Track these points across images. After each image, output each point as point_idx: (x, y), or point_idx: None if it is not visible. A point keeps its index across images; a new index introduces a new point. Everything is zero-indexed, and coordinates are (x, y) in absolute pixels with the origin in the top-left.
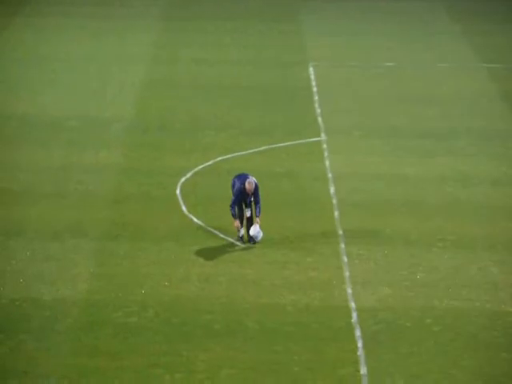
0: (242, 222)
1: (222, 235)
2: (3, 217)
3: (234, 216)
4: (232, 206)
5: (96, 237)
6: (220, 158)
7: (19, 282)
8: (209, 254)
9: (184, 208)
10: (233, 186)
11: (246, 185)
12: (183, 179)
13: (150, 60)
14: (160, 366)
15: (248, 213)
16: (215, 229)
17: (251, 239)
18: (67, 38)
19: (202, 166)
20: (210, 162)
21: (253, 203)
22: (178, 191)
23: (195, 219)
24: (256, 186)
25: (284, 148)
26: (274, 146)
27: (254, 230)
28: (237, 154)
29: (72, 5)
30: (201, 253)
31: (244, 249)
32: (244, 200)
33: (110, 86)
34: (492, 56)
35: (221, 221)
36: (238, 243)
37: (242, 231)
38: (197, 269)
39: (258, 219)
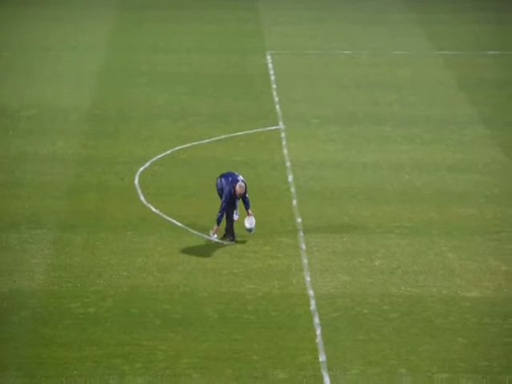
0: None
1: (180, 225)
2: None
3: (218, 223)
4: (221, 213)
5: (53, 227)
6: (177, 148)
7: None
8: (168, 243)
9: (142, 198)
10: (218, 186)
11: (237, 188)
12: (141, 169)
13: (106, 48)
14: (119, 356)
15: (236, 217)
16: (174, 218)
17: (249, 231)
18: (23, 26)
19: (161, 155)
20: (168, 152)
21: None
22: (136, 181)
23: (153, 209)
24: (245, 189)
25: (242, 136)
26: (232, 134)
27: (251, 223)
28: (195, 143)
29: None
30: (159, 243)
31: (202, 238)
32: (233, 203)
33: (66, 74)
34: (447, 44)
35: (179, 211)
36: (206, 237)
37: (216, 237)
38: (155, 258)
39: (250, 211)
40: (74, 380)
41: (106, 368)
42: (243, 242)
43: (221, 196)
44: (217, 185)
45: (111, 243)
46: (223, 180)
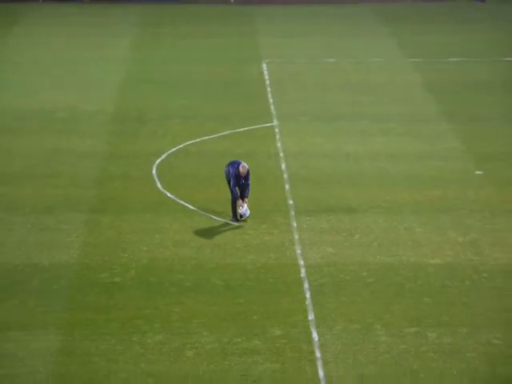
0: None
1: (191, 207)
2: (4, 196)
3: (236, 196)
4: (233, 189)
5: (84, 211)
6: (189, 142)
7: (21, 250)
8: (181, 223)
9: (159, 185)
10: (227, 172)
11: (240, 169)
12: (158, 161)
13: (127, 60)
14: (141, 317)
15: (246, 212)
16: (186, 202)
17: (241, 216)
18: (56, 42)
19: (174, 149)
20: (180, 146)
21: (244, 185)
22: (153, 171)
23: (169, 194)
24: (248, 171)
25: (243, 132)
26: (234, 130)
27: (243, 209)
28: (203, 138)
29: (61, 16)
30: (174, 222)
31: (210, 219)
32: (239, 182)
33: (93, 83)
34: (416, 52)
35: (191, 195)
36: (232, 222)
37: (244, 207)
38: (170, 236)
39: (246, 199)
40: (104, 338)
41: (130, 328)
42: (244, 221)
43: (229, 182)
44: (225, 172)
45: (133, 223)
46: (230, 167)
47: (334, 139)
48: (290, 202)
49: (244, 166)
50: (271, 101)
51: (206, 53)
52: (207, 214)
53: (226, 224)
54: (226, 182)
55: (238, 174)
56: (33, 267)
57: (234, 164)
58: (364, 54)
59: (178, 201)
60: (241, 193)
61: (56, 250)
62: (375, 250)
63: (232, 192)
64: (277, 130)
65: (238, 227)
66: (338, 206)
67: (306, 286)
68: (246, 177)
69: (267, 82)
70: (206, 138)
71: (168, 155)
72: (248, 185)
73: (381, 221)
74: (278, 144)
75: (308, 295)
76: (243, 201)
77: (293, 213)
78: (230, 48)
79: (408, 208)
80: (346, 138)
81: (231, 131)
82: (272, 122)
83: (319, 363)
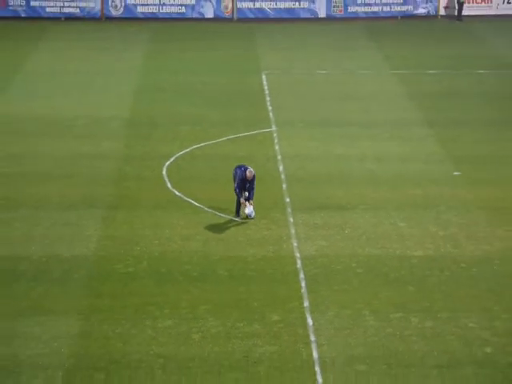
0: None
1: (198, 205)
2: (31, 194)
3: (239, 196)
4: (237, 190)
5: (102, 207)
6: (195, 146)
7: (45, 243)
8: (188, 219)
9: (168, 184)
10: (235, 174)
11: (247, 173)
12: (168, 162)
13: (140, 72)
14: (152, 304)
15: (246, 194)
16: (193, 200)
17: (247, 216)
18: (77, 56)
19: (182, 152)
20: (188, 149)
21: (249, 188)
22: (163, 172)
23: (177, 193)
24: (254, 176)
25: (244, 137)
26: (236, 135)
27: (249, 210)
28: (208, 142)
29: (80, 32)
30: (182, 218)
31: (215, 215)
32: (244, 185)
33: (110, 92)
34: (400, 65)
35: (197, 194)
36: (235, 219)
37: (250, 209)
38: (179, 230)
39: (251, 201)
40: (119, 322)
41: (143, 313)
42: (246, 218)
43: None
44: (233, 174)
45: (145, 219)
46: (238, 170)
47: (327, 143)
48: (287, 200)
49: (251, 171)
50: (270, 108)
51: (210, 65)
52: (212, 211)
53: (230, 220)
54: (230, 181)
55: (245, 177)
56: (55, 258)
57: (242, 168)
58: (353, 66)
59: (186, 199)
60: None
61: (76, 243)
62: (364, 243)
63: (237, 189)
64: (275, 134)
65: (240, 223)
66: (330, 203)
67: (302, 275)
68: (252, 181)
69: (266, 92)
70: (211, 142)
71: (176, 158)
72: (253, 188)
73: (368, 217)
74: (276, 147)
75: (303, 284)
76: (249, 203)
77: (289, 210)
78: (233, 60)
79: (393, 205)
80: (337, 142)
81: (234, 136)
82: (271, 127)
83: (313, 346)
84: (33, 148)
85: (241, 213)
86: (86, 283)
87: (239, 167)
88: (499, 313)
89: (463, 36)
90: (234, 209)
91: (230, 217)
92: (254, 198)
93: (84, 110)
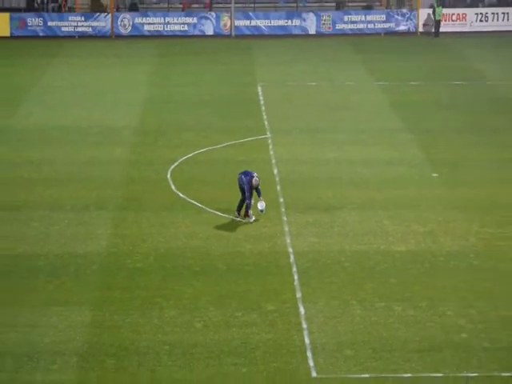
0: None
1: (200, 205)
2: (48, 197)
3: (250, 206)
4: (248, 199)
5: (112, 208)
6: (198, 151)
7: (61, 242)
8: (191, 218)
9: (173, 187)
10: (241, 182)
11: (253, 182)
12: (172, 167)
13: (147, 84)
14: (159, 296)
15: (253, 201)
16: (196, 201)
17: (261, 211)
18: (89, 71)
19: (186, 157)
20: (191, 154)
21: (257, 190)
22: (168, 175)
23: (181, 194)
24: (259, 181)
25: (242, 143)
26: (235, 141)
27: (262, 206)
28: (210, 148)
29: (92, 48)
30: (185, 218)
31: (216, 215)
32: (251, 189)
33: (120, 103)
34: (383, 77)
35: (200, 196)
36: (233, 218)
37: (263, 204)
38: (182, 229)
39: (261, 198)
40: (128, 312)
41: (150, 304)
42: (245, 217)
43: (241, 186)
44: (238, 179)
45: (152, 219)
46: (243, 176)
47: (317, 149)
48: (281, 200)
49: (256, 180)
50: (265, 117)
51: (211, 78)
52: (213, 211)
53: (230, 219)
54: (230, 184)
55: (252, 185)
56: (70, 255)
57: (247, 175)
58: (341, 78)
59: (189, 200)
60: (256, 195)
61: (89, 241)
62: (351, 239)
63: (246, 197)
64: (270, 141)
65: (238, 221)
66: (320, 203)
67: (295, 269)
68: (257, 185)
69: (262, 102)
70: (213, 147)
71: (180, 162)
72: (259, 189)
73: (355, 215)
74: (271, 152)
75: (296, 277)
76: (260, 200)
77: (283, 209)
78: (231, 73)
79: (378, 204)
80: (327, 147)
81: (233, 142)
82: (266, 134)
83: (305, 333)
84: (50, 154)
85: (251, 213)
86: (99, 277)
87: (244, 174)
88: (474, 302)
89: (440, 50)
90: (233, 209)
91: (229, 216)
92: (261, 194)
93: (97, 119)
